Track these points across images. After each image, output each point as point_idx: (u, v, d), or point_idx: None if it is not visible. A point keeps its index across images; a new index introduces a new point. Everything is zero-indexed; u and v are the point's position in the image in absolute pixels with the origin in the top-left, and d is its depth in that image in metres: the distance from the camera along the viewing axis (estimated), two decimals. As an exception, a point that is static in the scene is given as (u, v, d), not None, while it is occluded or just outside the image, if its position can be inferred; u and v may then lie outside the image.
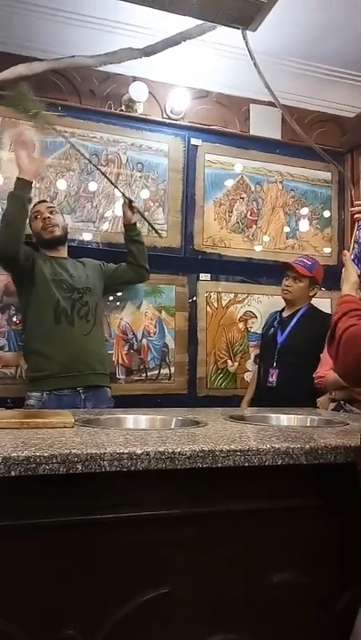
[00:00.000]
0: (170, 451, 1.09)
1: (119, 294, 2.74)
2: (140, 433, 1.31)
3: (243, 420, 1.63)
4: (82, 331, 2.22)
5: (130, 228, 2.52)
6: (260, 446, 1.16)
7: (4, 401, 2.45)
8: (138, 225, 2.56)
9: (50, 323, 2.17)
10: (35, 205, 2.38)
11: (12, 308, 2.54)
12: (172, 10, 2.07)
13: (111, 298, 2.73)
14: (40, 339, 2.18)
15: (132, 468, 1.07)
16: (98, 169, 2.58)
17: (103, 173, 2.57)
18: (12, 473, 1.00)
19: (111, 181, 2.58)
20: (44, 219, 2.25)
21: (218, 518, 1.19)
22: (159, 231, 2.60)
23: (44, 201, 2.49)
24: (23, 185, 2.04)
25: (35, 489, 1.05)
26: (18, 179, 2.05)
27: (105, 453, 1.05)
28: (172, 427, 1.57)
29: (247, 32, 2.18)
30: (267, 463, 1.15)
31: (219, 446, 1.14)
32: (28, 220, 2.25)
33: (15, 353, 2.53)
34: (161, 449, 1.09)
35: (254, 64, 2.23)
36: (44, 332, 2.17)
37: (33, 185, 2.14)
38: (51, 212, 2.31)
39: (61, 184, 2.65)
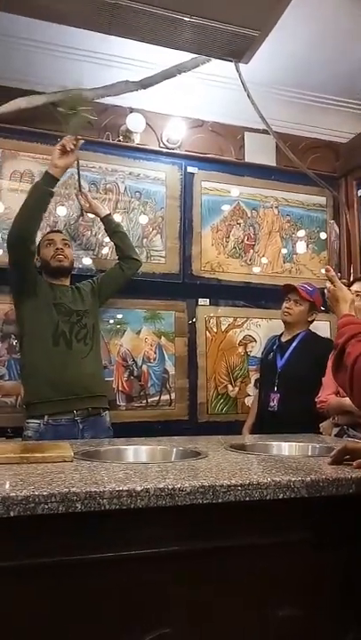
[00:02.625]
0: (170, 487, 1.08)
1: (119, 317, 2.75)
2: (140, 467, 1.30)
3: (244, 450, 1.61)
4: (80, 354, 2.22)
5: (106, 221, 2.53)
6: (260, 480, 1.15)
7: (4, 430, 2.45)
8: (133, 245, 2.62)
9: (48, 345, 2.17)
10: (49, 233, 2.42)
11: (12, 336, 2.54)
12: (168, 44, 2.14)
13: (112, 321, 2.74)
14: (38, 361, 2.18)
15: (132, 506, 1.06)
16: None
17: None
18: (11, 513, 0.99)
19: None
20: (57, 248, 2.30)
21: (219, 554, 1.18)
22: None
23: (60, 232, 2.52)
24: (48, 178, 2.12)
25: (33, 528, 1.04)
26: (46, 172, 2.13)
27: (104, 491, 1.05)
28: (173, 459, 1.56)
29: (240, 64, 2.25)
30: (268, 497, 1.14)
31: (219, 481, 1.13)
32: (38, 244, 2.31)
33: (15, 382, 2.52)
34: (161, 485, 1.09)
35: (248, 95, 2.29)
36: (41, 355, 2.17)
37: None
38: (64, 245, 2.36)
39: (61, 211, 2.68)
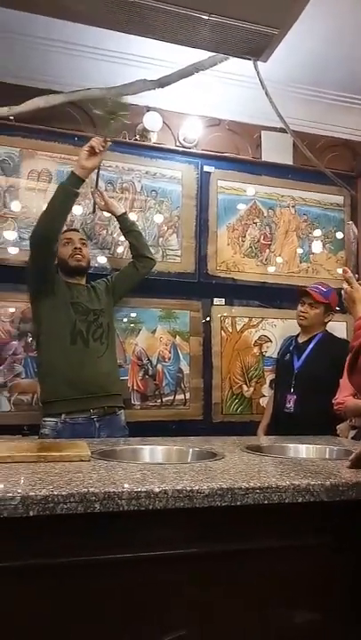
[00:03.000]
0: (188, 489, 1.08)
1: (133, 316, 2.75)
2: (156, 468, 1.30)
3: (260, 452, 1.60)
4: (96, 353, 2.23)
5: (121, 219, 2.52)
6: (279, 483, 1.14)
7: (21, 428, 2.47)
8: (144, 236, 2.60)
9: (66, 344, 2.17)
10: (66, 232, 2.39)
11: (29, 334, 2.56)
12: (186, 43, 2.13)
13: (127, 320, 2.74)
14: (55, 360, 2.18)
15: (150, 507, 1.06)
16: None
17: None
18: (31, 513, 1.00)
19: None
20: (75, 248, 2.30)
21: (236, 557, 1.17)
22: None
23: (77, 230, 2.52)
24: (74, 179, 2.10)
25: (52, 528, 1.04)
26: (72, 173, 2.12)
27: (122, 492, 1.05)
28: (189, 460, 1.56)
29: (258, 62, 2.23)
30: (286, 501, 1.13)
31: (237, 484, 1.12)
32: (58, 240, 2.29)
33: (32, 380, 2.54)
34: (179, 487, 1.08)
35: (266, 93, 2.27)
36: (59, 354, 2.18)
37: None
38: (82, 244, 2.36)
39: (77, 210, 2.69)
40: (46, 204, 2.23)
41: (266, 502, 1.12)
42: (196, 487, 1.09)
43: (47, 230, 2.13)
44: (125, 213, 2.57)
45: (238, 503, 1.10)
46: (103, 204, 2.54)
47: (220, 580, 1.16)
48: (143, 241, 2.57)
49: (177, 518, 1.11)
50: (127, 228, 2.54)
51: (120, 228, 2.57)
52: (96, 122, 2.27)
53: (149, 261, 2.55)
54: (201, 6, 1.89)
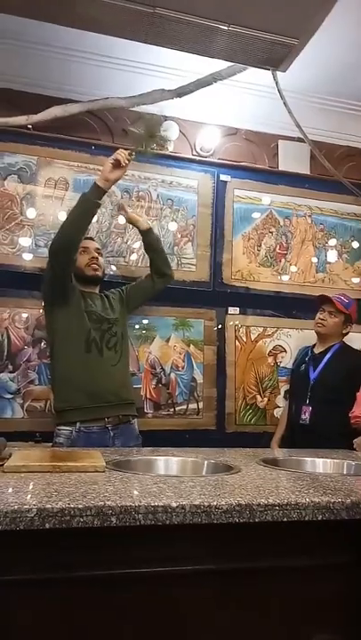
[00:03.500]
0: (205, 504, 1.06)
1: (147, 324, 2.74)
2: (172, 481, 1.28)
3: (276, 466, 1.58)
4: (110, 361, 2.22)
5: (145, 234, 2.48)
6: (299, 500, 1.12)
7: (33, 435, 2.46)
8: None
9: (80, 352, 2.17)
10: (83, 240, 2.33)
11: (43, 341, 2.56)
12: (205, 53, 2.13)
13: (140, 328, 2.74)
14: (70, 367, 2.18)
15: (167, 522, 1.04)
16: None
17: None
18: (47, 525, 0.99)
19: None
20: (92, 257, 2.30)
21: (253, 575, 1.15)
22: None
23: (93, 239, 2.50)
24: (97, 191, 2.09)
25: (68, 540, 1.03)
26: (95, 184, 2.10)
27: (140, 506, 1.03)
28: (204, 472, 1.54)
29: (277, 72, 2.23)
30: (306, 518, 1.11)
31: (256, 500, 1.10)
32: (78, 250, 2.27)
33: (45, 387, 2.54)
34: (196, 502, 1.06)
35: (284, 103, 2.26)
36: (74, 362, 2.17)
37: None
38: (98, 253, 2.37)
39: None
40: (67, 214, 2.23)
41: (285, 519, 1.10)
42: (215, 503, 1.07)
43: (68, 240, 2.13)
44: (151, 229, 2.52)
45: (257, 520, 1.08)
46: (129, 215, 2.51)
47: (237, 598, 1.14)
48: (165, 257, 2.54)
49: (193, 534, 1.09)
50: (151, 245, 2.50)
51: (143, 242, 2.53)
52: (134, 140, 2.26)
53: (168, 279, 2.55)
54: (221, 17, 1.89)
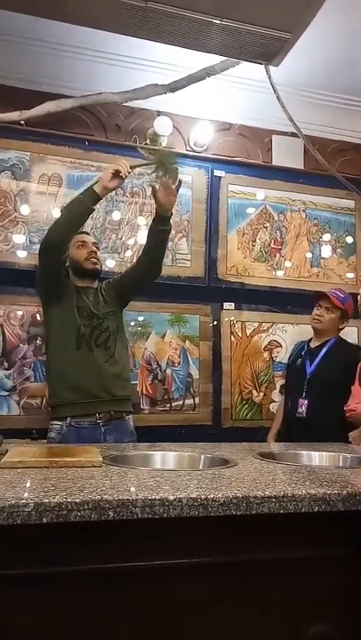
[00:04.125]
0: (203, 497, 1.06)
1: (143, 320, 2.74)
2: (169, 474, 1.28)
3: (273, 459, 1.58)
4: (101, 358, 2.21)
5: (162, 220, 2.24)
6: (295, 492, 1.12)
7: (30, 432, 2.46)
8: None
9: (72, 348, 2.17)
10: (79, 234, 2.30)
11: (39, 338, 2.56)
12: (198, 48, 2.12)
13: (136, 324, 2.73)
14: (61, 364, 2.18)
15: (165, 515, 1.04)
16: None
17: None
18: (44, 520, 0.98)
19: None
20: (91, 251, 2.28)
21: (251, 567, 1.15)
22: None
23: (88, 233, 2.47)
24: (94, 196, 2.06)
25: (65, 535, 1.03)
26: (92, 189, 2.07)
27: (137, 500, 1.03)
28: (201, 466, 1.54)
29: (270, 67, 2.23)
30: (303, 510, 1.11)
31: (253, 492, 1.10)
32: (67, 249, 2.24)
33: (41, 384, 2.54)
34: (193, 495, 1.07)
35: (277, 97, 2.26)
36: (65, 358, 2.17)
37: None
38: (97, 248, 2.35)
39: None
40: (60, 214, 2.20)
41: (282, 511, 1.10)
42: (211, 495, 1.07)
43: (59, 240, 2.11)
44: (170, 217, 2.31)
45: (254, 512, 1.08)
46: (171, 199, 2.22)
47: (235, 590, 1.14)
48: (164, 250, 2.36)
49: (191, 526, 1.09)
50: (164, 233, 2.30)
51: (156, 227, 2.27)
52: (150, 165, 2.28)
53: (158, 271, 2.38)
54: (213, 11, 1.89)
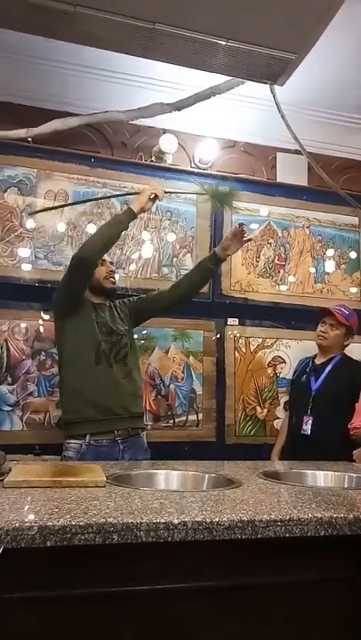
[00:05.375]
0: (208, 521, 1.05)
1: (147, 335, 2.74)
2: (174, 496, 1.27)
3: (277, 479, 1.57)
4: (120, 374, 2.20)
5: (217, 261, 2.40)
6: (301, 516, 1.11)
7: (33, 447, 2.45)
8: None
9: (91, 363, 2.15)
10: None
11: (43, 353, 2.56)
12: (203, 68, 2.15)
13: (140, 339, 2.73)
14: (80, 379, 2.16)
15: (169, 539, 1.03)
16: None
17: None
18: (48, 543, 0.98)
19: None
20: (110, 270, 2.33)
21: (255, 591, 1.14)
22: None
23: None
24: (131, 216, 2.18)
25: (69, 558, 1.02)
26: (130, 210, 2.19)
27: (141, 523, 1.02)
28: (205, 487, 1.53)
29: (275, 86, 2.25)
30: (309, 534, 1.10)
31: (258, 515, 1.09)
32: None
33: (45, 399, 2.53)
34: (198, 518, 1.06)
35: (282, 116, 2.28)
36: (84, 374, 2.15)
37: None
38: (112, 266, 2.40)
39: (91, 228, 2.71)
40: (97, 231, 2.27)
41: (287, 535, 1.09)
42: (217, 519, 1.06)
43: (96, 256, 2.15)
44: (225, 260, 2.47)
45: (259, 536, 1.07)
46: (236, 247, 2.40)
47: (239, 614, 1.13)
48: (199, 289, 2.47)
49: (195, 550, 1.08)
50: (208, 267, 2.40)
51: (205, 265, 2.40)
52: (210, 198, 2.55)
53: (181, 306, 2.47)
54: (219, 32, 1.91)
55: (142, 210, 2.21)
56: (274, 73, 2.15)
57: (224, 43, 1.94)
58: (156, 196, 2.21)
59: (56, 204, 2.69)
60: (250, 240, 2.44)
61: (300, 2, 1.78)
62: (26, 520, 0.99)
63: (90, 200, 2.68)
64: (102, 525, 1.01)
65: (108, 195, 2.70)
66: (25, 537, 0.97)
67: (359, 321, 2.64)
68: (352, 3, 2.20)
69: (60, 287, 2.25)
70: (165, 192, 2.28)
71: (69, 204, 2.65)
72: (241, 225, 2.36)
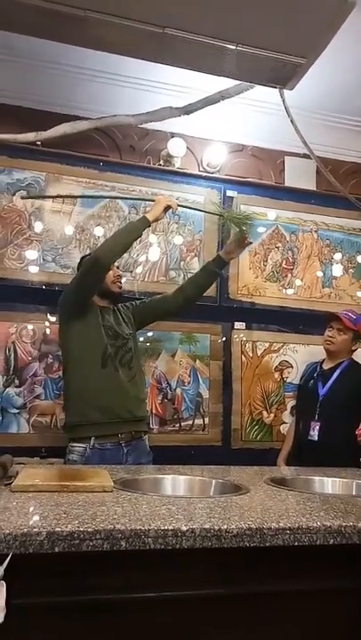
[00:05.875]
0: (216, 528, 1.05)
1: (153, 338, 2.74)
2: (181, 502, 1.27)
3: (285, 485, 1.56)
4: (125, 377, 2.21)
5: (222, 264, 2.46)
6: (310, 524, 1.10)
7: (39, 450, 2.46)
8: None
9: (97, 367, 2.16)
10: None
11: (50, 356, 2.57)
12: (213, 72, 2.15)
13: (147, 343, 2.73)
14: (85, 382, 2.16)
15: (177, 547, 1.03)
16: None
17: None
18: (56, 549, 0.98)
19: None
20: (118, 275, 2.35)
21: (262, 599, 1.13)
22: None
23: None
24: (145, 224, 2.23)
25: (77, 564, 1.02)
26: (145, 218, 2.24)
27: (149, 530, 1.02)
28: (212, 492, 1.52)
29: (284, 90, 2.25)
30: (317, 542, 1.09)
31: (267, 523, 1.09)
32: None
33: (51, 402, 2.54)
34: (207, 526, 1.05)
35: (291, 121, 2.27)
36: (90, 377, 2.15)
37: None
38: (121, 272, 2.44)
39: (99, 231, 2.71)
40: (113, 236, 2.32)
41: (296, 544, 1.08)
42: (225, 526, 1.06)
43: (110, 260, 2.19)
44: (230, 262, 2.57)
45: (267, 544, 1.07)
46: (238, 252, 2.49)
47: (246, 623, 1.12)
48: (204, 292, 2.50)
49: (203, 557, 1.07)
50: (213, 271, 2.45)
51: (210, 268, 2.45)
52: (226, 221, 2.58)
53: (187, 309, 2.50)
54: (229, 37, 1.91)
55: (156, 219, 2.26)
56: (283, 77, 2.14)
57: (233, 47, 1.94)
58: (170, 207, 2.27)
59: (64, 207, 2.70)
60: (251, 243, 2.52)
61: (310, 7, 1.77)
62: (34, 526, 0.99)
63: (86, 196, 2.68)
64: (110, 532, 1.00)
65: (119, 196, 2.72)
66: (33, 543, 0.97)
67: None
68: (362, 7, 2.20)
69: (68, 289, 2.26)
70: (179, 205, 2.36)
71: (64, 196, 2.66)
72: (243, 232, 2.43)
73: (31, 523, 1.01)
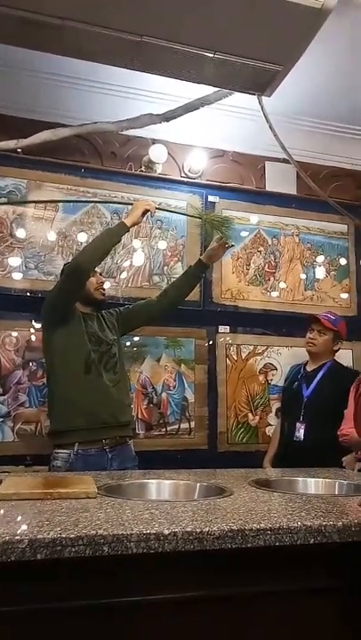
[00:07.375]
0: (198, 530, 1.06)
1: (138, 343, 2.75)
2: (165, 506, 1.27)
3: (268, 487, 1.58)
4: (109, 383, 2.21)
5: (204, 268, 2.52)
6: (291, 524, 1.12)
7: (24, 458, 2.44)
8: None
9: (80, 373, 2.16)
10: None
11: (34, 363, 2.56)
12: (191, 79, 2.18)
13: (131, 348, 2.73)
14: (69, 388, 2.16)
15: (160, 550, 1.03)
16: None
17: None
18: (38, 556, 0.98)
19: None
20: (101, 282, 2.36)
21: (247, 600, 1.14)
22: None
23: None
24: (123, 229, 2.24)
25: (59, 571, 1.02)
26: (123, 223, 2.25)
27: (132, 534, 1.03)
28: (197, 496, 1.53)
29: (262, 97, 2.28)
30: (298, 542, 1.11)
31: (248, 525, 1.10)
32: None
33: (36, 409, 2.53)
34: (188, 529, 1.06)
35: (270, 126, 2.31)
36: (73, 383, 2.15)
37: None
38: (104, 279, 2.45)
39: (82, 237, 2.72)
40: (92, 242, 2.32)
41: (277, 544, 1.10)
42: (207, 529, 1.07)
43: (90, 266, 2.20)
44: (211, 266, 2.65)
45: (249, 545, 1.08)
46: (219, 255, 2.54)
47: (230, 624, 1.13)
48: (188, 293, 2.54)
49: (186, 560, 1.08)
50: (195, 275, 2.51)
51: (193, 272, 2.51)
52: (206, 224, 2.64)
53: (171, 311, 2.53)
54: (206, 45, 1.94)
55: (135, 224, 2.27)
56: (261, 84, 2.18)
57: (211, 55, 1.97)
58: (148, 211, 2.27)
59: (47, 213, 2.70)
60: (232, 246, 2.56)
61: (286, 16, 1.80)
62: (16, 533, 0.99)
63: (66, 201, 2.70)
64: (93, 537, 1.01)
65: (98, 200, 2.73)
66: (15, 550, 0.97)
67: (347, 326, 2.66)
68: (341, 12, 2.24)
69: (50, 296, 2.25)
70: (157, 209, 2.36)
71: (43, 201, 2.67)
72: (222, 238, 2.47)
73: (13, 530, 1.01)
